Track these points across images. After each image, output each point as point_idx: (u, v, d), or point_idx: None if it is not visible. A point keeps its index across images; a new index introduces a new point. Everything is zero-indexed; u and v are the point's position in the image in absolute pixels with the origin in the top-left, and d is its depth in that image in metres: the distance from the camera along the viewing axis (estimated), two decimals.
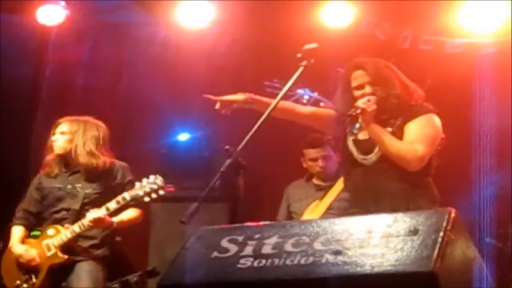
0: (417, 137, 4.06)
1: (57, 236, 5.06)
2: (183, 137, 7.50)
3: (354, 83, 4.20)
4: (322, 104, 6.14)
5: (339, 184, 5.64)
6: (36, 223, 5.26)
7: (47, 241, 5.07)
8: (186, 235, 3.48)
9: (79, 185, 5.18)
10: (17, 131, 7.21)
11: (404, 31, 6.81)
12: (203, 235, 3.40)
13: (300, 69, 3.97)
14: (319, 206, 5.69)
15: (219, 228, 3.49)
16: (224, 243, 3.28)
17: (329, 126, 4.41)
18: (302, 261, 3.05)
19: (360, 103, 4.04)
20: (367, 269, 2.91)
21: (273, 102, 3.97)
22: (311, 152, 5.84)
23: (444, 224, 2.97)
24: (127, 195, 5.01)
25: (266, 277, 3.07)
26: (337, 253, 3.02)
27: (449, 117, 4.22)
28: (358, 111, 3.99)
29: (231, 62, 7.19)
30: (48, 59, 7.32)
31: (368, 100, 4.06)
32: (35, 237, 5.19)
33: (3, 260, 5.28)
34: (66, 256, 5.03)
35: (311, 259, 3.05)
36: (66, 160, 5.28)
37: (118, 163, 5.29)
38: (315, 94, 6.25)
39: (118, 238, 5.28)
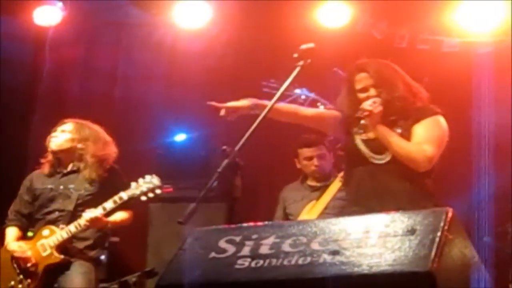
0: (425, 139, 4.08)
1: (52, 236, 5.03)
2: (180, 137, 7.49)
3: (358, 86, 4.22)
4: (319, 104, 6.15)
5: (336, 184, 5.64)
6: (28, 224, 5.23)
7: (42, 241, 5.05)
8: (184, 235, 3.48)
9: (72, 186, 5.16)
10: (14, 132, 7.20)
11: (401, 31, 6.81)
12: (200, 236, 3.39)
13: (297, 69, 3.96)
14: (315, 206, 5.68)
15: (217, 228, 3.48)
16: (222, 243, 3.27)
17: (332, 127, 4.44)
18: (300, 261, 3.05)
19: (366, 105, 4.08)
20: (364, 269, 2.91)
21: (275, 104, 3.96)
22: (306, 151, 5.82)
23: (442, 223, 2.96)
24: (124, 194, 5.00)
25: (263, 278, 3.07)
26: (334, 253, 3.02)
27: (446, 116, 4.22)
28: (366, 113, 4.03)
29: (227, 62, 7.18)
30: (45, 59, 7.32)
31: (374, 102, 4.10)
32: (29, 238, 5.16)
33: None
34: (62, 256, 5.01)
35: (308, 259, 3.04)
36: (60, 160, 5.26)
37: (112, 166, 5.27)
38: (313, 94, 6.26)
39: (115, 239, 5.26)
